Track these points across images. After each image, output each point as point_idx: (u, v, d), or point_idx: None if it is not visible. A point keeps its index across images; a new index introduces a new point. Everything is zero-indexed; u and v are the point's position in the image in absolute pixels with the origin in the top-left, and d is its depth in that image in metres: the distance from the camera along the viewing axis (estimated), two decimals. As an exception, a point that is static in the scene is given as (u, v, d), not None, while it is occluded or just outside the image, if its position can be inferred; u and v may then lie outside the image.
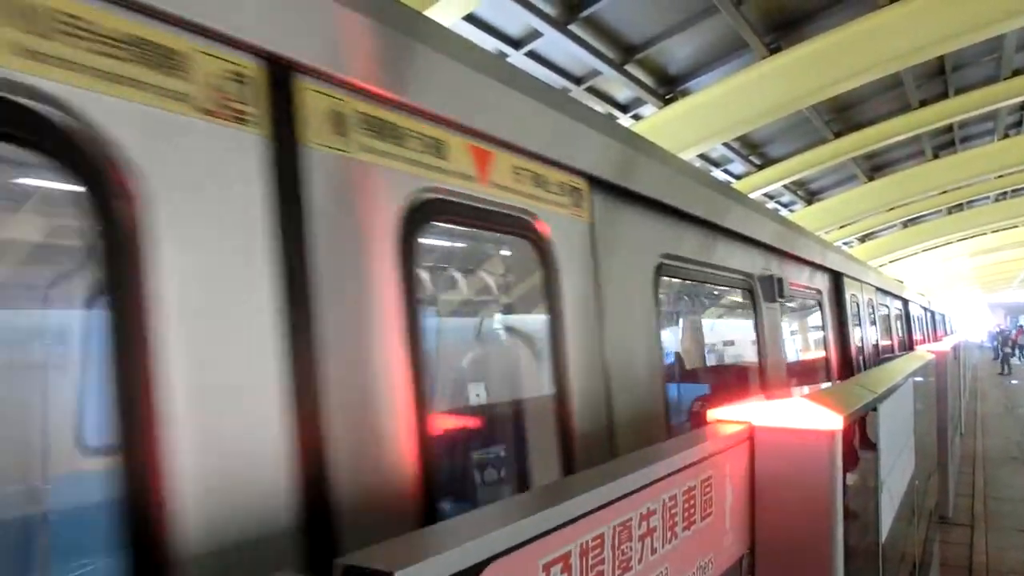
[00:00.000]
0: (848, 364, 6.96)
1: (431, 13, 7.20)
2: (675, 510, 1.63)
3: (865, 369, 7.25)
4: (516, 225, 2.26)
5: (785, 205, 22.11)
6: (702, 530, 1.78)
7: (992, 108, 14.82)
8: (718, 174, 16.57)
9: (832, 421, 2.02)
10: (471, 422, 3.43)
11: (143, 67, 1.29)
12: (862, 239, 28.24)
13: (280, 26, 1.51)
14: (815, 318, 6.83)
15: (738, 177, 17.29)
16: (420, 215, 1.86)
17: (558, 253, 2.41)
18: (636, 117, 12.98)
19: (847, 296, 7.37)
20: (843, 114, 15.07)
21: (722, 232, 3.99)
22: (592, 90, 11.91)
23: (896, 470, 3.38)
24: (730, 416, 2.18)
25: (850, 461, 2.40)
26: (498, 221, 2.19)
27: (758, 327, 4.52)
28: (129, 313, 1.26)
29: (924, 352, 6.76)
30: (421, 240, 1.87)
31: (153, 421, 1.27)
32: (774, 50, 10.88)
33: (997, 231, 30.77)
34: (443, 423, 3.39)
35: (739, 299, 4.85)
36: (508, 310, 3.33)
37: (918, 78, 13.49)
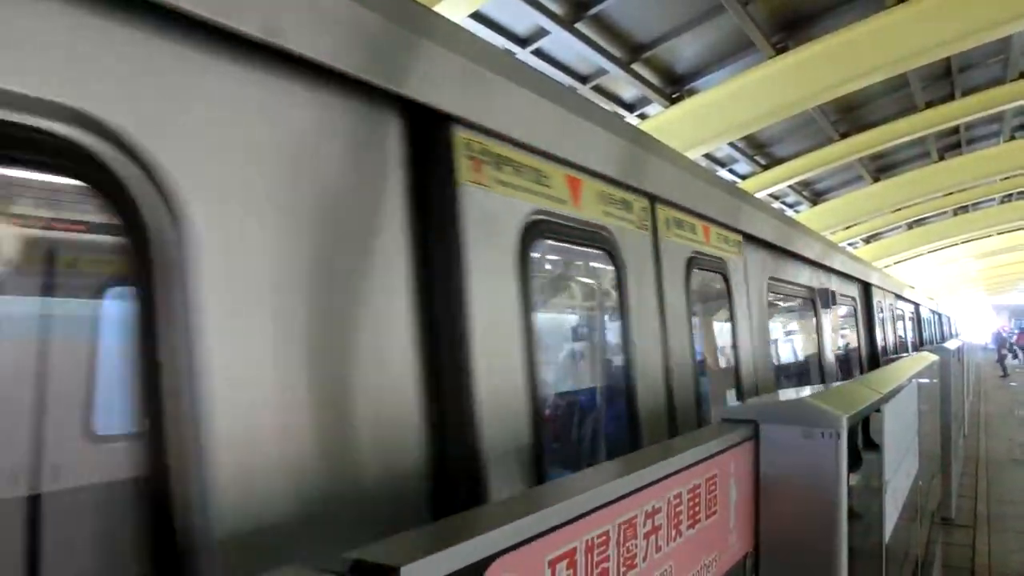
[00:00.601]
0: (875, 356, 8.72)
1: (438, 10, 7.18)
2: (680, 508, 1.63)
3: (887, 358, 8.75)
4: (717, 267, 3.91)
5: (790, 205, 22.03)
6: (707, 528, 1.78)
7: (998, 110, 14.78)
8: (723, 173, 16.52)
9: (837, 421, 2.02)
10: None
11: (623, 211, 2.84)
12: (867, 240, 28.15)
13: (654, 181, 3.08)
14: (850, 320, 8.59)
15: (743, 177, 17.25)
16: (694, 263, 3.52)
17: (733, 280, 4.09)
18: (642, 116, 12.95)
19: (874, 302, 9.12)
20: (849, 115, 15.02)
21: (796, 257, 5.70)
22: (598, 89, 11.89)
23: (900, 471, 3.38)
24: (736, 415, 2.18)
25: (854, 461, 2.40)
26: (710, 266, 3.81)
27: (817, 327, 6.38)
28: (623, 307, 2.83)
29: (928, 354, 6.75)
30: (691, 283, 3.50)
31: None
32: (781, 50, 10.85)
33: (1002, 233, 30.65)
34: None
35: (804, 306, 6.68)
36: (717, 315, 5.08)
37: (924, 79, 13.43)
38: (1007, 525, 8.08)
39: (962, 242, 31.49)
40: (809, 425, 2.04)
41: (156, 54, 1.27)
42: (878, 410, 2.78)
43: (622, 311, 2.81)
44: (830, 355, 6.68)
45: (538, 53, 10.31)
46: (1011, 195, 24.45)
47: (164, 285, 1.27)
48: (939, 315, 22.83)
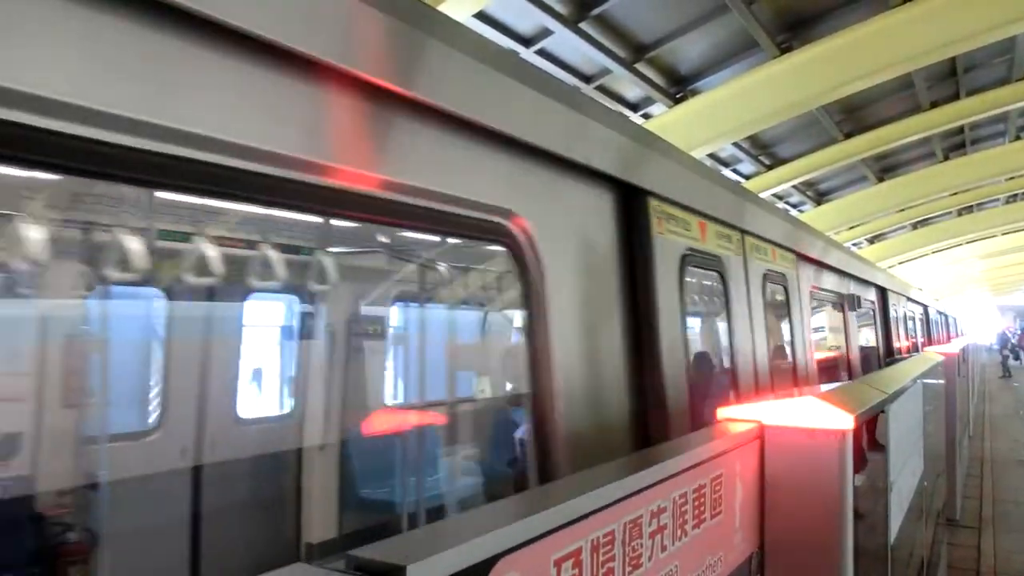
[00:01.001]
0: (890, 351, 9.92)
1: (442, 9, 7.17)
2: (685, 508, 1.63)
3: (889, 359, 9.66)
4: (780, 281, 4.90)
5: (794, 205, 21.98)
6: (712, 528, 1.78)
7: (1003, 110, 14.72)
8: (727, 173, 16.48)
9: (842, 421, 2.02)
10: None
11: (728, 242, 3.87)
12: (871, 240, 28.05)
13: (744, 219, 4.10)
14: (870, 321, 9.69)
15: (747, 177, 17.20)
16: (767, 278, 4.57)
17: (790, 290, 5.18)
18: (646, 116, 12.94)
19: (890, 305, 10.30)
20: (853, 115, 14.98)
21: (831, 269, 6.84)
22: (602, 89, 11.87)
23: (905, 471, 3.37)
24: (740, 415, 2.18)
25: (860, 462, 2.39)
26: (776, 280, 4.80)
27: (845, 327, 7.63)
28: (728, 309, 3.94)
29: (933, 354, 6.74)
30: (765, 293, 4.58)
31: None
32: (785, 50, 10.82)
33: (1007, 233, 30.52)
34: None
35: (835, 309, 7.78)
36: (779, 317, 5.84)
37: (929, 79, 13.39)
38: (1012, 526, 8.07)
39: (967, 242, 31.36)
40: (815, 425, 2.03)
41: (529, 176, 2.27)
42: (883, 411, 2.78)
43: (727, 312, 3.90)
44: (856, 351, 8.05)
45: (542, 53, 10.29)
46: (1016, 195, 24.32)
47: (536, 306, 2.25)
48: (945, 316, 22.87)
